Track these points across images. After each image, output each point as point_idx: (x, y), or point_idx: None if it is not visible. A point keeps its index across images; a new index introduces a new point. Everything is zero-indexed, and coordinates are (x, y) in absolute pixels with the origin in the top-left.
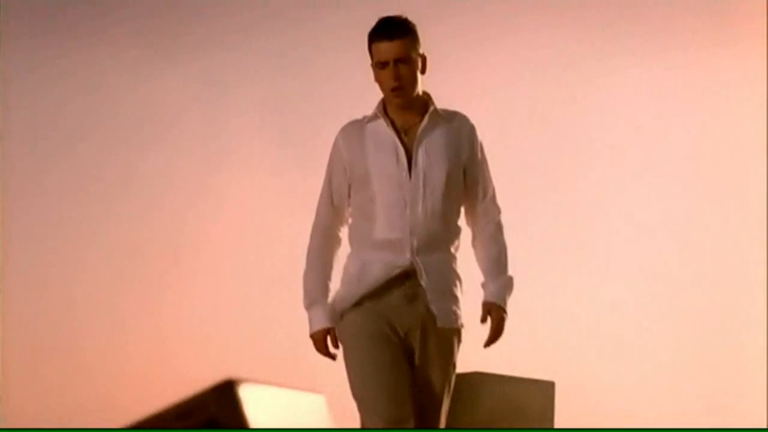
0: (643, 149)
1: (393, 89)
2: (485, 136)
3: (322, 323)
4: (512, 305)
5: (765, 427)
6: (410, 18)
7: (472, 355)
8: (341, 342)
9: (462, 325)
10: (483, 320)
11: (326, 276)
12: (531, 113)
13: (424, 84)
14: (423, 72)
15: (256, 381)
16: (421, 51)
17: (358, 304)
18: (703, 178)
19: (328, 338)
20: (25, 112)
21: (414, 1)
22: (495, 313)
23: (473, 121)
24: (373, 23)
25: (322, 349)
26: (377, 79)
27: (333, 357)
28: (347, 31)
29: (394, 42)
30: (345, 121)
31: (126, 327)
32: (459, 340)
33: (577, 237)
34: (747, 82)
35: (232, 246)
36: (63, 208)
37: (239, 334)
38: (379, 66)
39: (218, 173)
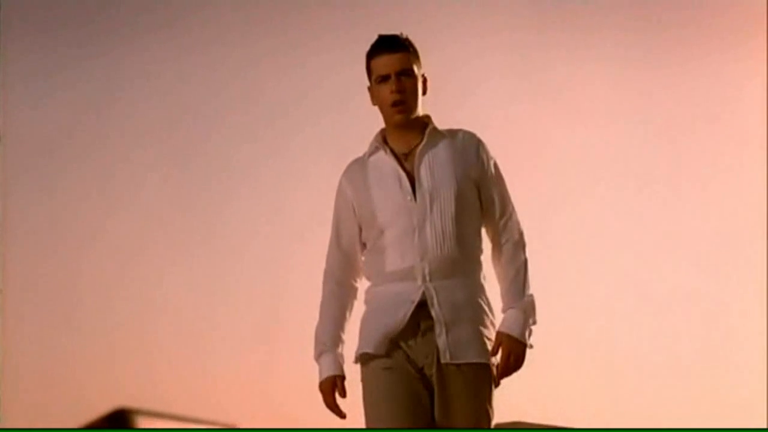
0: (643, 150)
1: (394, 103)
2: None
3: (329, 371)
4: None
5: (765, 427)
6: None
7: (509, 400)
8: (361, 381)
9: (488, 360)
10: (494, 352)
11: (336, 325)
12: (530, 116)
13: (424, 108)
14: (424, 92)
15: (152, 412)
16: (422, 71)
17: (374, 339)
18: (703, 178)
19: (337, 393)
20: (25, 112)
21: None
22: (506, 345)
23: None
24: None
25: (330, 401)
26: (376, 97)
27: (341, 414)
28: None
29: (396, 54)
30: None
31: (126, 327)
32: (490, 375)
33: (575, 241)
34: (747, 82)
35: (231, 245)
36: (63, 208)
37: (238, 335)
38: (379, 80)
39: (221, 173)
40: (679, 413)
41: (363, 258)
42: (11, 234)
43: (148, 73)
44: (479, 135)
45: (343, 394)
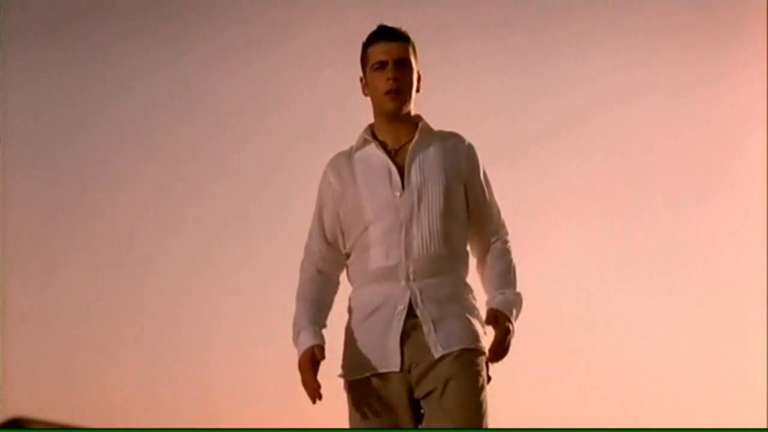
0: (643, 149)
1: (389, 91)
2: (481, 147)
3: (306, 344)
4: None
5: (765, 427)
6: None
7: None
8: (345, 389)
9: (479, 347)
10: (488, 323)
11: (315, 307)
12: (529, 115)
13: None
14: (418, 89)
15: (48, 422)
16: (418, 67)
17: (357, 342)
18: (703, 177)
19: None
20: (25, 112)
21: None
22: (501, 321)
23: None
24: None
25: (308, 376)
26: (370, 84)
27: (317, 393)
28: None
29: (395, 43)
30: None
31: (126, 327)
32: (483, 363)
33: (575, 237)
34: (747, 82)
35: (232, 246)
36: (63, 207)
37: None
38: (375, 67)
39: (220, 171)
40: (679, 413)
41: (348, 260)
42: (11, 234)
43: (147, 74)
44: (473, 136)
45: (322, 356)
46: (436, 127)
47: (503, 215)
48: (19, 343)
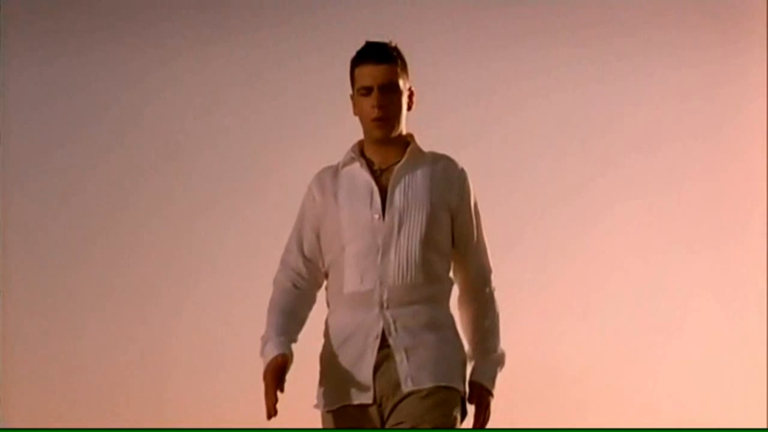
0: (642, 150)
1: (374, 119)
2: (481, 148)
3: (272, 353)
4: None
5: (765, 427)
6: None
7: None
8: (322, 418)
9: (453, 385)
10: (470, 401)
11: (282, 315)
12: (527, 114)
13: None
14: (409, 108)
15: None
16: (409, 84)
17: (331, 371)
18: (703, 178)
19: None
20: (25, 112)
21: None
22: (484, 399)
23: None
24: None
25: (267, 386)
26: (357, 108)
27: (273, 408)
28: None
29: (381, 66)
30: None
31: (126, 328)
32: (459, 403)
33: (575, 241)
34: (747, 82)
35: (236, 251)
36: (64, 208)
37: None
38: (361, 92)
39: (219, 173)
40: (679, 413)
41: (326, 281)
42: (11, 234)
43: (149, 73)
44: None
45: (285, 364)
46: (444, 145)
47: (507, 233)
48: (18, 359)
